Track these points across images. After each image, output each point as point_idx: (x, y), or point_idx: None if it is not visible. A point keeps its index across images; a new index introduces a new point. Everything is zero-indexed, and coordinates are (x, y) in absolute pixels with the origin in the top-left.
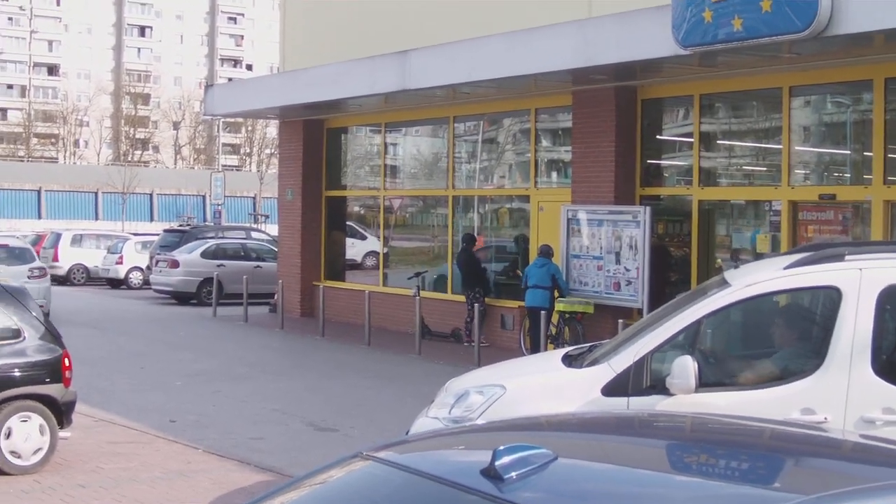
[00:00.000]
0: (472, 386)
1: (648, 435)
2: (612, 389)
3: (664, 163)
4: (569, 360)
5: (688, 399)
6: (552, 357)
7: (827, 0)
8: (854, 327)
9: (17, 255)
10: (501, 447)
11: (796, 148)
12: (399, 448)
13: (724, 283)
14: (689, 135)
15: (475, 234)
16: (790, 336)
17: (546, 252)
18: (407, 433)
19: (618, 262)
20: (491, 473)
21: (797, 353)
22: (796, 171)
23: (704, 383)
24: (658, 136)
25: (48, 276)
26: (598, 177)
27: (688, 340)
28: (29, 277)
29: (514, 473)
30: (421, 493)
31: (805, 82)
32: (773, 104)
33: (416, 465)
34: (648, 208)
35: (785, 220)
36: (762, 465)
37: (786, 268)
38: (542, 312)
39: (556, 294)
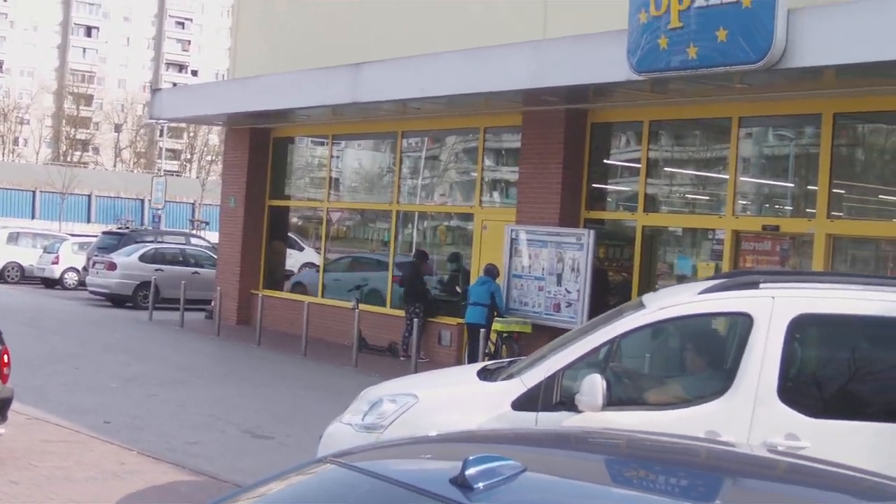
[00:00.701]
0: (386, 394)
1: (614, 452)
2: (521, 404)
3: (610, 187)
4: (485, 374)
5: (595, 416)
6: (468, 370)
7: (782, 33)
8: (763, 354)
9: None
10: (471, 457)
11: (742, 178)
12: (364, 454)
13: (641, 306)
14: (637, 160)
15: (424, 251)
16: (701, 360)
17: (489, 271)
18: (320, 438)
19: (559, 283)
20: (460, 482)
21: (706, 377)
22: (741, 200)
23: (614, 402)
24: (606, 161)
25: None
26: (543, 198)
27: (600, 359)
28: None
29: (482, 483)
30: (389, 499)
31: (755, 113)
32: (721, 134)
33: (384, 471)
34: (592, 231)
35: (728, 249)
36: (716, 484)
37: (700, 293)
38: (482, 330)
39: (496, 313)
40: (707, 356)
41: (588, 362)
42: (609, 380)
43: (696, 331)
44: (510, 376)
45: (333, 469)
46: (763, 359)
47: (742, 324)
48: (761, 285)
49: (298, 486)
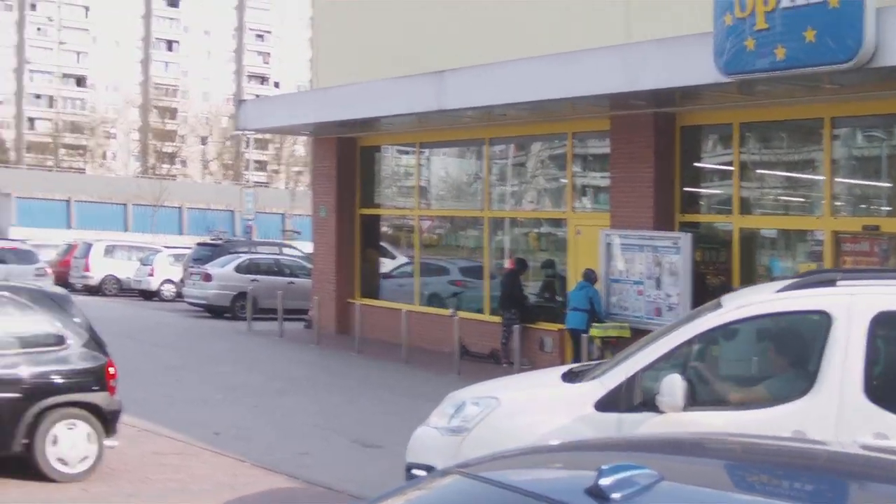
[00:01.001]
0: (469, 397)
1: (754, 460)
2: (604, 405)
3: (703, 190)
4: (569, 377)
5: (676, 417)
6: (553, 373)
7: (871, 32)
8: (845, 351)
9: (23, 257)
10: (605, 466)
11: (837, 179)
12: (490, 464)
13: (718, 305)
14: (729, 163)
15: (523, 259)
16: (782, 359)
17: (588, 276)
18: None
19: (658, 287)
20: (596, 492)
21: (788, 376)
22: (837, 201)
23: (695, 402)
24: (696, 164)
25: (49, 275)
26: (636, 202)
27: (679, 359)
28: (35, 275)
29: (619, 493)
30: None
31: (846, 113)
32: (813, 134)
33: (513, 481)
34: (689, 235)
35: (827, 251)
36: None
37: (778, 291)
38: (583, 335)
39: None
40: (787, 355)
41: (668, 362)
42: (690, 379)
43: (775, 329)
44: (592, 378)
45: (460, 480)
46: (846, 357)
47: (821, 322)
48: (839, 283)
49: (425, 498)
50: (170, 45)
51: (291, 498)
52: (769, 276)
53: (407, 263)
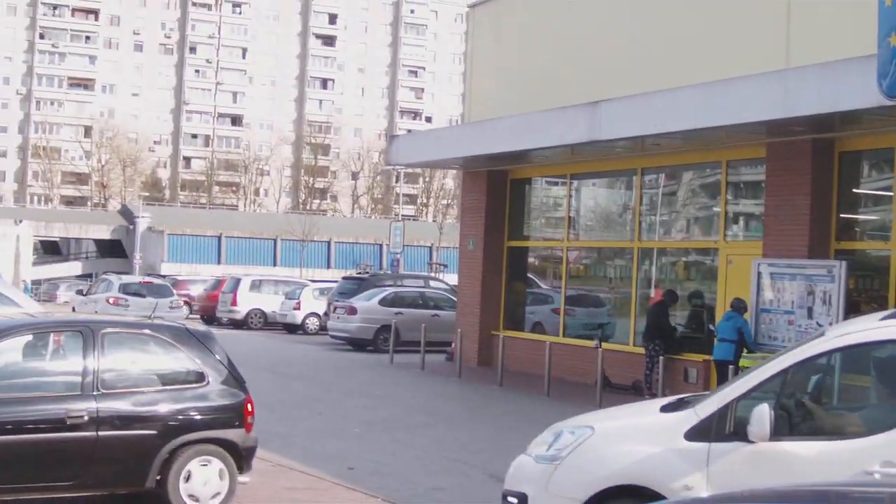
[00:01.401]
0: (567, 426)
1: None
2: (694, 434)
3: (861, 217)
4: (669, 407)
5: (765, 447)
6: (655, 404)
7: None
8: None
9: (159, 291)
10: None
11: None
12: None
13: (822, 334)
14: (889, 188)
15: (674, 290)
16: (881, 388)
17: (737, 306)
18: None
19: (810, 316)
20: None
21: (885, 406)
22: None
23: (787, 432)
24: (855, 190)
25: (183, 307)
26: (791, 230)
27: (776, 388)
28: (170, 308)
29: None
30: None
31: None
32: None
33: None
34: (844, 263)
35: None
36: None
37: (882, 319)
38: (730, 367)
39: (745, 349)
40: (886, 384)
41: (763, 391)
42: (787, 409)
43: (876, 358)
44: (688, 408)
45: None
46: None
47: None
48: None
49: None
50: (324, 83)
51: None
52: None
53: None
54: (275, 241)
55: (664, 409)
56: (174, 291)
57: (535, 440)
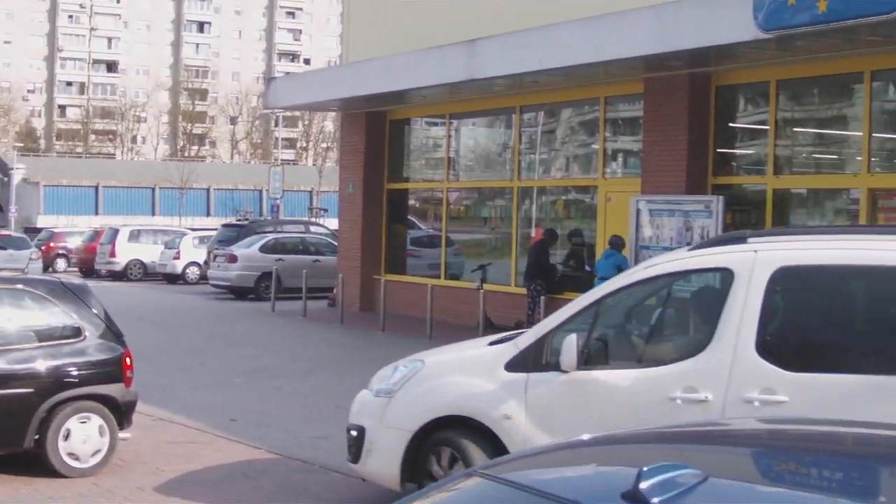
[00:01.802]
0: (402, 361)
1: (807, 450)
2: (513, 365)
3: (738, 151)
4: (498, 341)
5: (578, 376)
6: (487, 339)
7: None
8: (743, 308)
9: (18, 244)
10: (646, 467)
11: (876, 134)
12: (518, 464)
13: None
14: (765, 122)
15: (553, 229)
16: (685, 316)
17: (615, 243)
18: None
19: None
20: (634, 497)
21: (689, 334)
22: (875, 157)
23: (596, 361)
24: (732, 124)
25: (41, 259)
26: (669, 166)
27: (589, 319)
28: (29, 261)
29: (659, 498)
30: None
31: (887, 66)
32: (852, 90)
33: (542, 485)
34: (721, 198)
35: (864, 209)
36: None
37: (690, 249)
38: None
39: None
40: (690, 313)
41: (577, 323)
42: (599, 339)
43: (682, 288)
44: (508, 339)
45: (483, 483)
46: (742, 313)
47: (724, 279)
48: (749, 240)
49: (445, 503)
50: (201, 26)
51: (305, 485)
52: None
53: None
54: (153, 189)
55: (492, 343)
56: (31, 244)
57: (375, 375)
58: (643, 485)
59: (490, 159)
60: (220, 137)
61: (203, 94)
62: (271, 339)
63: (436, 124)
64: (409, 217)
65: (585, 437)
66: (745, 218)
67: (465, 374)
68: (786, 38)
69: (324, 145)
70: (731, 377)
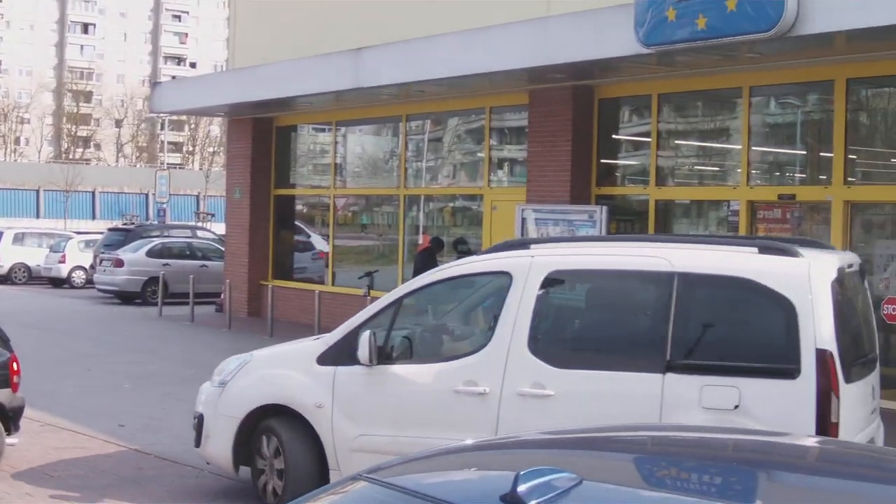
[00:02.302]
0: (236, 356)
1: (680, 455)
2: (324, 359)
3: (620, 162)
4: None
5: (378, 369)
6: (314, 337)
7: (793, 1)
8: (518, 308)
9: None
10: (523, 471)
11: (755, 148)
12: (402, 468)
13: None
14: (647, 134)
15: (440, 237)
16: (470, 316)
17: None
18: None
19: None
20: (512, 500)
21: (474, 332)
22: (754, 170)
23: (392, 356)
24: (615, 136)
25: None
26: (553, 176)
27: (390, 316)
28: None
29: (535, 500)
30: None
31: (766, 82)
32: (732, 104)
33: (424, 489)
34: (605, 208)
35: (743, 220)
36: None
37: (481, 253)
38: None
39: None
40: (475, 312)
41: (379, 320)
42: (392, 335)
43: (471, 289)
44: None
45: (368, 487)
46: (517, 313)
47: (504, 282)
48: (531, 246)
49: None
50: (85, 27)
51: (196, 490)
52: None
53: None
54: (37, 191)
55: (315, 338)
56: None
57: (216, 368)
58: (520, 488)
59: (377, 167)
60: (105, 140)
61: (88, 96)
62: (159, 344)
63: (323, 131)
64: (296, 223)
65: (468, 441)
66: (628, 228)
67: (286, 366)
68: (666, 53)
69: (210, 149)
70: (507, 372)
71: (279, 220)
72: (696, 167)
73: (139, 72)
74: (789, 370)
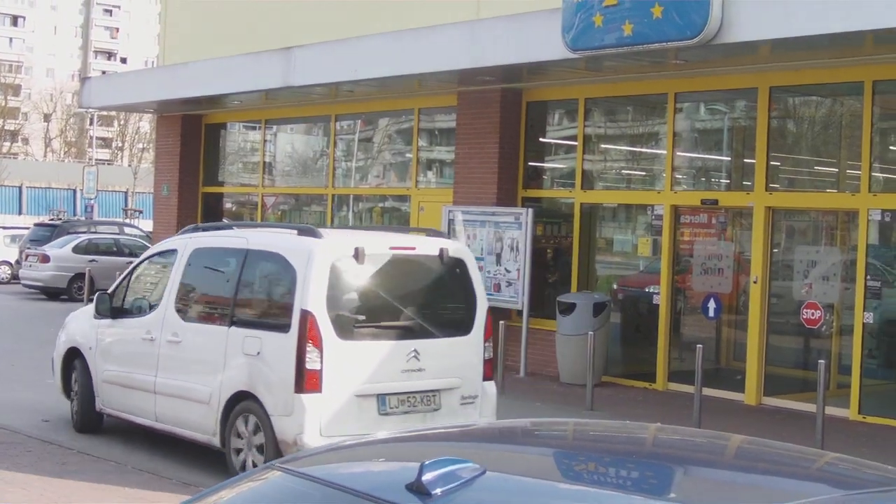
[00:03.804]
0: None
1: (579, 446)
2: (96, 314)
3: (547, 165)
4: None
5: (111, 322)
6: None
7: (717, 9)
8: (175, 277)
9: None
10: (428, 461)
11: (679, 153)
12: (314, 458)
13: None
14: (574, 138)
15: None
16: (158, 281)
17: None
18: None
19: (498, 263)
20: (417, 489)
21: (155, 294)
22: (678, 175)
23: (122, 312)
24: (542, 139)
25: None
26: (480, 178)
27: (125, 283)
28: None
29: (440, 489)
30: None
31: (691, 89)
32: (657, 109)
33: (335, 478)
34: (531, 210)
35: (667, 225)
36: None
37: (177, 234)
38: None
39: None
40: (161, 279)
41: (123, 285)
42: (122, 296)
43: (168, 259)
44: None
45: (281, 476)
46: (173, 281)
47: (172, 256)
48: (199, 231)
49: (243, 497)
50: (15, 20)
51: (118, 484)
52: (611, 250)
53: None
54: None
55: None
56: None
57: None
58: (425, 477)
59: (306, 166)
60: (33, 135)
61: (16, 89)
62: None
63: (253, 129)
64: (224, 221)
65: (381, 434)
66: (554, 230)
67: (82, 321)
68: (594, 58)
69: (140, 146)
70: (163, 326)
71: (207, 217)
72: (622, 171)
73: (69, 66)
74: (286, 325)
